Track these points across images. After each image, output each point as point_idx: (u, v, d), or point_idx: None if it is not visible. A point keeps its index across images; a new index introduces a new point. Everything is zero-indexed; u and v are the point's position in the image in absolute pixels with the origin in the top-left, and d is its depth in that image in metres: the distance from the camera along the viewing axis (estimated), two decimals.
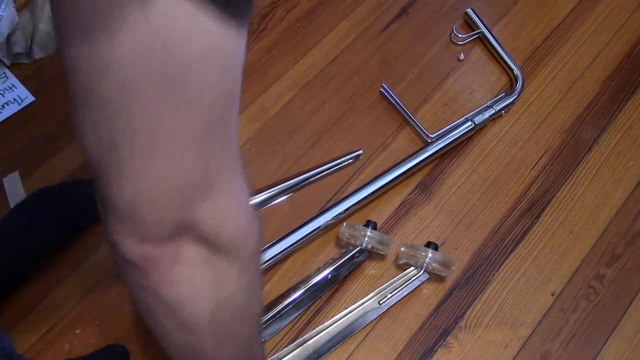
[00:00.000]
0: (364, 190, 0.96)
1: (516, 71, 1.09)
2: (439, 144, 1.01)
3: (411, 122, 1.05)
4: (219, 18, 0.33)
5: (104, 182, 0.38)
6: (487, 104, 1.06)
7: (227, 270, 0.44)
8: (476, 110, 1.06)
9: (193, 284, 0.43)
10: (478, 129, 1.05)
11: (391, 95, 1.06)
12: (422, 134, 1.03)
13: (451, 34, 1.14)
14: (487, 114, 1.04)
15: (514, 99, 1.07)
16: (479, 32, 1.13)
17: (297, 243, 0.92)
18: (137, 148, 0.35)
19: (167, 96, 0.34)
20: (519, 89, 1.08)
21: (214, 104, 0.37)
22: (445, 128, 1.04)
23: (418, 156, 1.00)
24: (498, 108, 1.05)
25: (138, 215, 0.38)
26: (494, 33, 1.13)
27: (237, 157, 0.42)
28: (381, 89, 1.08)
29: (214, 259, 0.43)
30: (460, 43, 1.14)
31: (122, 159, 0.36)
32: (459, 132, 1.02)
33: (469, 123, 1.03)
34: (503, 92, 1.09)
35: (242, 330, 0.50)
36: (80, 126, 0.37)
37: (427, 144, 1.02)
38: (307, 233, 0.92)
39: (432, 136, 1.02)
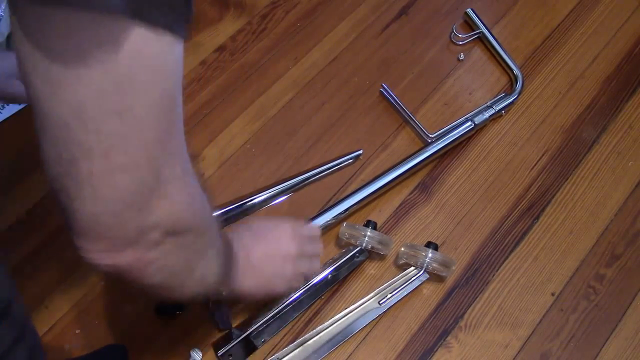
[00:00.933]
0: (364, 190, 0.96)
1: (516, 71, 1.09)
2: (439, 144, 1.01)
3: (411, 122, 1.05)
4: (159, 34, 0.36)
5: (65, 201, 0.40)
6: (487, 104, 1.06)
7: (194, 245, 0.49)
8: (476, 110, 1.06)
9: (168, 269, 0.47)
10: (478, 129, 1.05)
11: (391, 95, 1.06)
12: (422, 134, 1.03)
13: (451, 34, 1.14)
14: (487, 114, 1.04)
15: (514, 99, 1.07)
16: (479, 32, 1.13)
17: None
18: (94, 165, 0.38)
19: (118, 116, 0.36)
20: (518, 89, 1.08)
21: (160, 116, 0.39)
22: (445, 128, 1.04)
23: (418, 156, 1.00)
24: (498, 108, 1.05)
25: (102, 228, 0.41)
26: (494, 33, 1.13)
27: (186, 156, 0.44)
28: (381, 89, 1.08)
29: (180, 243, 0.46)
30: (460, 43, 1.14)
31: (81, 176, 0.38)
32: (459, 132, 1.02)
33: (469, 123, 1.03)
34: (503, 92, 1.09)
35: (209, 249, 0.55)
36: (42, 147, 0.39)
37: (427, 144, 1.02)
38: None
39: (432, 136, 1.02)
